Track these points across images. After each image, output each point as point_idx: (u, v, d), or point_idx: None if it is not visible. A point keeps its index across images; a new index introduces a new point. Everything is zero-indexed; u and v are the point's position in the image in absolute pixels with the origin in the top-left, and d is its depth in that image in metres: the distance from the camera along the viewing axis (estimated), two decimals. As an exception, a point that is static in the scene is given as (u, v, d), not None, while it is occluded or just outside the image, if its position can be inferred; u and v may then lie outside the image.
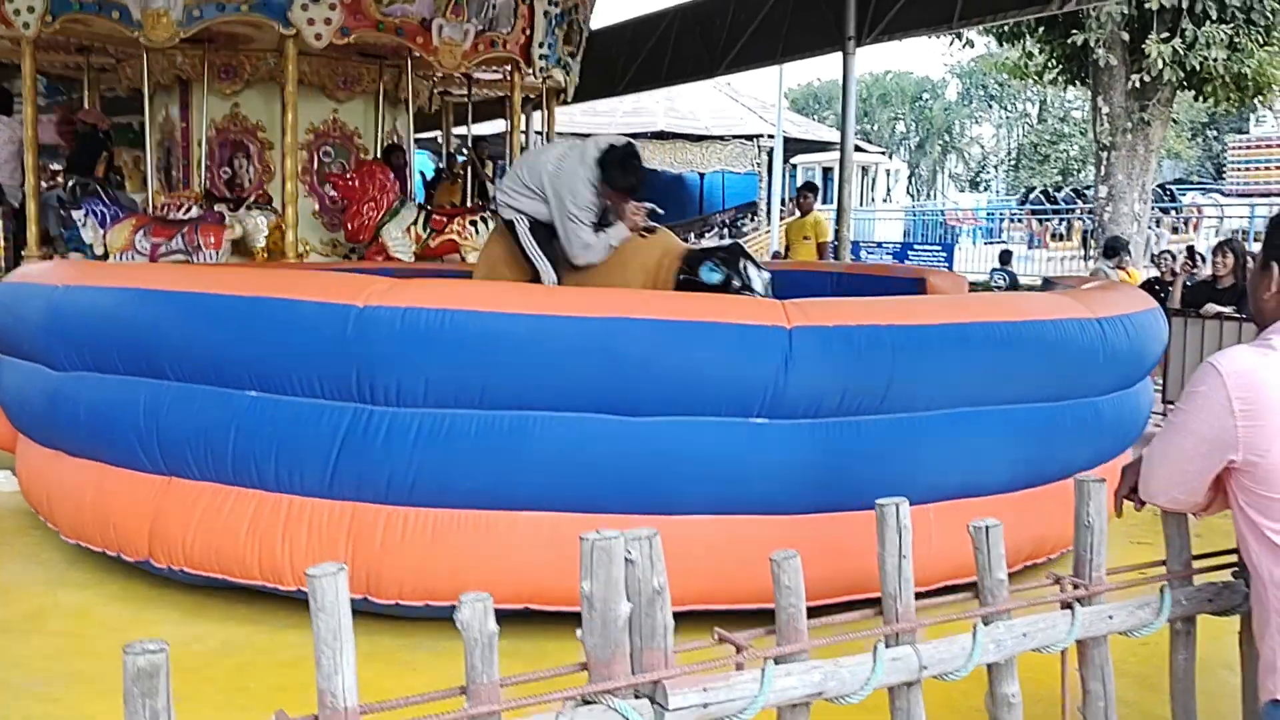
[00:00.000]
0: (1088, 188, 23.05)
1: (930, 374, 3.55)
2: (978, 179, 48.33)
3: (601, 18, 11.00)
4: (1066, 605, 2.15)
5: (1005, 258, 14.93)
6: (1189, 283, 8.72)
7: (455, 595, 3.48)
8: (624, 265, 4.64)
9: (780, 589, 1.82)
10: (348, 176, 8.24)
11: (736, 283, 4.55)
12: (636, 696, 1.63)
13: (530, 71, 8.18)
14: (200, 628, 3.55)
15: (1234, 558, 2.30)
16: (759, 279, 4.62)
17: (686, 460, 3.34)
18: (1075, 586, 2.16)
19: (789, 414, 3.39)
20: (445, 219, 8.37)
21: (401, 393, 3.28)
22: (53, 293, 3.88)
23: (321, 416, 3.35)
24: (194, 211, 8.00)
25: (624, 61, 13.95)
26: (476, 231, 8.27)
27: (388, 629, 3.49)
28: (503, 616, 3.61)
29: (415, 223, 8.21)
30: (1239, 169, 25.47)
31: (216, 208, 7.90)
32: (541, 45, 8.01)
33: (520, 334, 3.26)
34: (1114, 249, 10.80)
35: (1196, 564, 2.35)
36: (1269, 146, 24.87)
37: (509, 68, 8.66)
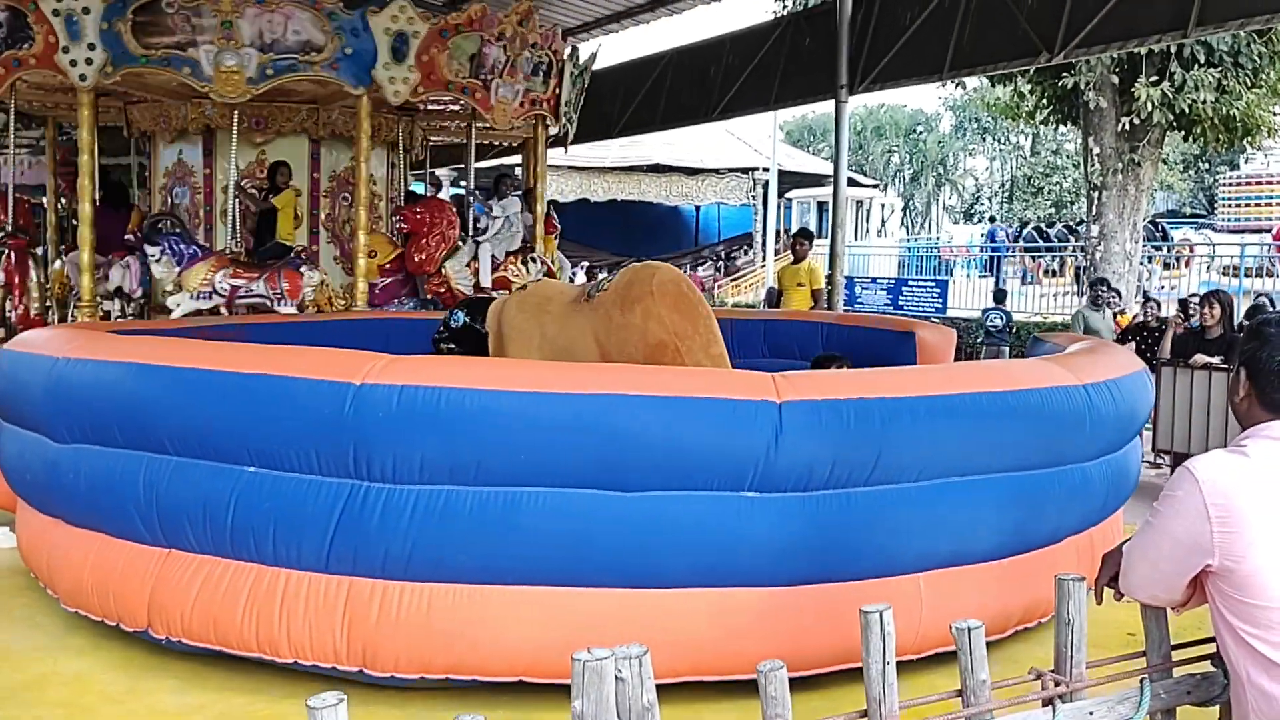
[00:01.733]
0: (1080, 223, 23.19)
1: (919, 445, 3.59)
2: (972, 211, 48.51)
3: (600, 60, 11.05)
4: (1048, 702, 2.20)
5: (1000, 297, 14.96)
6: (1179, 331, 8.80)
7: (450, 668, 3.52)
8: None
9: (766, 699, 1.87)
10: None
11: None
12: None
13: (66, 80, 7.32)
14: (200, 697, 3.58)
15: (1213, 646, 2.35)
16: None
17: (678, 534, 3.38)
18: (1056, 684, 2.21)
19: (779, 487, 3.42)
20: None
21: (398, 469, 3.33)
22: (53, 365, 3.91)
23: (319, 492, 3.39)
24: None
25: (620, 105, 14.11)
26: (30, 276, 8.57)
27: (382, 698, 3.52)
28: (496, 688, 3.62)
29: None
30: (1231, 205, 25.63)
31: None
32: (69, 50, 7.13)
33: (513, 411, 3.30)
34: (1098, 290, 11.08)
35: (1176, 654, 2.40)
36: (1260, 183, 25.03)
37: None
